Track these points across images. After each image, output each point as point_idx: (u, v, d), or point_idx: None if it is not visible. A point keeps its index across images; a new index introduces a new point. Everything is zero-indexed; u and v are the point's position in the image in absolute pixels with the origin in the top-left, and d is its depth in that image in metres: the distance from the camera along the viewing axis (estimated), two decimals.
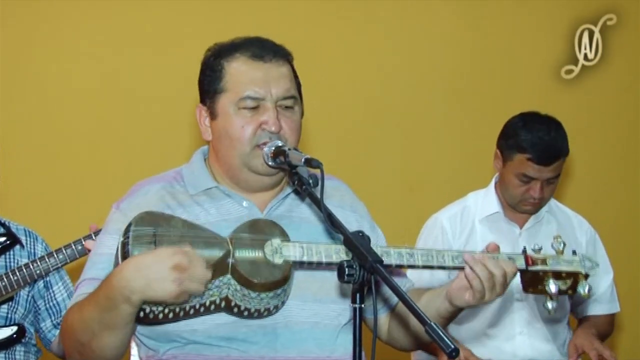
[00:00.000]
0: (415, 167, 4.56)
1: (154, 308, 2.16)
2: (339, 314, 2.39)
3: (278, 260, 2.24)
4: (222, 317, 2.27)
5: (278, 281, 2.24)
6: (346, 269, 2.02)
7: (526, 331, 3.57)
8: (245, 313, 2.26)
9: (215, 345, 2.29)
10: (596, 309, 3.72)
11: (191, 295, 2.14)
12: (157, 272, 2.08)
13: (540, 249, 2.46)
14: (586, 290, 2.45)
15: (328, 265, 2.27)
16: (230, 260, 2.21)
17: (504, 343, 3.56)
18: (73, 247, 3.10)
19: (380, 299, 2.52)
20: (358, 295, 2.04)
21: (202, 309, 2.22)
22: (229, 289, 2.22)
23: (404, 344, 2.55)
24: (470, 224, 3.59)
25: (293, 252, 2.26)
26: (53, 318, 3.19)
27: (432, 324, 1.90)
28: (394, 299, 2.49)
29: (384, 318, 2.56)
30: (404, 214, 4.37)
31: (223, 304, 2.23)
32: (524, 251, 2.44)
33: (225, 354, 2.29)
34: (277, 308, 2.29)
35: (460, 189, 3.83)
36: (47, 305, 3.19)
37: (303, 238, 2.35)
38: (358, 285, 2.03)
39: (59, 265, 3.11)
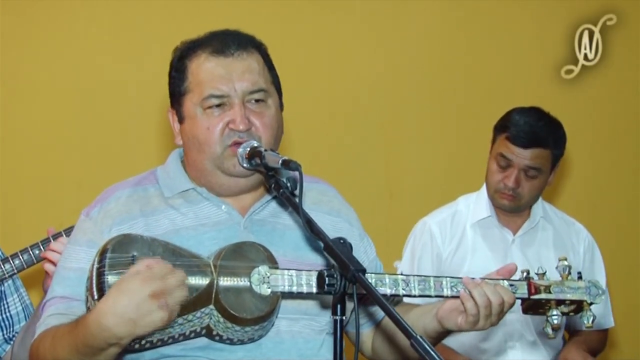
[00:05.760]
0: (396, 173, 4.51)
1: (132, 342, 2.05)
2: (323, 324, 2.29)
3: (265, 291, 2.12)
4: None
5: (264, 315, 2.12)
6: (326, 279, 1.92)
7: (518, 345, 3.48)
8: (227, 342, 2.15)
9: (191, 356, 2.18)
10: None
11: (180, 305, 2.02)
12: (139, 309, 1.95)
13: (544, 274, 2.34)
14: (590, 322, 2.36)
15: (319, 295, 2.16)
16: (214, 289, 2.09)
17: (495, 357, 3.47)
18: (30, 251, 2.95)
19: (365, 313, 2.41)
20: (339, 306, 1.93)
21: (181, 338, 2.12)
22: (211, 319, 2.11)
23: None
24: (461, 229, 3.51)
25: (281, 282, 2.13)
26: (5, 332, 3.03)
27: (419, 337, 1.80)
28: (380, 313, 2.38)
29: (368, 333, 2.45)
30: (384, 221, 4.33)
31: (204, 332, 2.13)
32: (527, 277, 2.32)
33: None
34: (260, 336, 2.18)
35: (441, 195, 3.81)
36: (0, 318, 3.05)
37: (287, 247, 2.26)
38: (339, 296, 1.93)
39: (15, 271, 2.96)
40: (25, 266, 2.95)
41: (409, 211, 3.95)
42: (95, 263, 2.07)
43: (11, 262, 2.94)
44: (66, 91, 4.13)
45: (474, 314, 2.19)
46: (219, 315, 2.09)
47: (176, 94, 2.29)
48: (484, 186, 3.54)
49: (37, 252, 2.93)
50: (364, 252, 2.43)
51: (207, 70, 2.25)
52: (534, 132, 3.37)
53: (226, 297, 2.09)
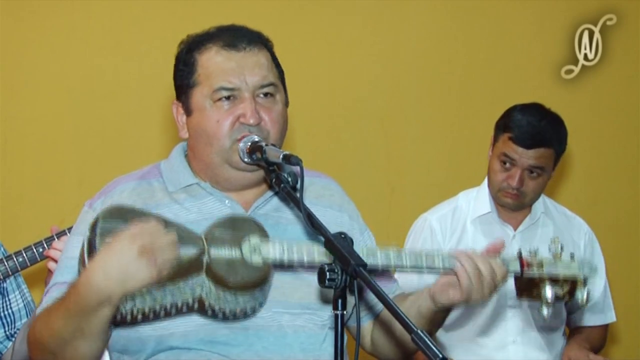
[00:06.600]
0: (397, 167, 4.53)
1: (122, 307, 2.05)
2: (325, 318, 2.29)
3: (256, 259, 2.13)
4: (200, 319, 2.17)
5: (255, 282, 2.12)
6: (327, 273, 1.92)
7: (519, 340, 3.48)
8: (220, 315, 2.14)
9: (194, 349, 2.18)
10: (589, 319, 3.61)
11: (170, 264, 2.03)
12: (127, 266, 1.97)
13: (536, 252, 2.34)
14: (584, 296, 2.34)
15: (310, 267, 2.15)
16: (205, 259, 2.09)
17: (495, 352, 3.46)
18: (34, 249, 2.96)
19: (365, 306, 2.41)
20: (340, 301, 1.93)
21: (173, 311, 2.11)
22: (202, 289, 2.11)
23: (389, 354, 2.43)
24: (462, 225, 3.50)
25: (272, 251, 2.14)
26: (7, 328, 3.03)
27: (419, 331, 1.80)
28: (379, 305, 2.38)
29: (367, 326, 2.45)
30: (385, 215, 4.34)
31: (196, 305, 2.13)
32: (519, 254, 2.33)
33: (206, 359, 2.18)
34: (253, 310, 2.17)
35: (443, 190, 3.81)
36: (2, 315, 3.05)
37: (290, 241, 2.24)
38: (340, 290, 1.93)
39: (18, 268, 2.97)
40: (28, 264, 2.97)
41: (410, 206, 3.96)
42: (87, 233, 2.08)
43: (14, 259, 2.96)
44: (67, 88, 4.13)
45: (467, 287, 2.19)
46: (211, 283, 2.10)
47: (184, 87, 2.29)
48: (485, 182, 3.54)
49: (40, 250, 2.95)
50: (365, 246, 2.43)
51: (218, 63, 2.25)
52: (538, 132, 3.36)
53: (217, 263, 2.09)
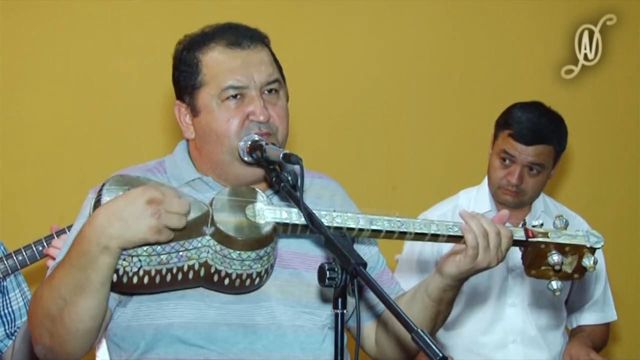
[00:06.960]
0: (398, 166, 4.55)
1: (128, 268, 2.06)
2: (325, 317, 2.29)
3: (260, 221, 2.15)
4: (201, 312, 2.17)
5: (261, 239, 2.13)
6: (327, 272, 1.92)
7: (519, 339, 3.48)
8: (227, 281, 2.13)
9: (194, 345, 2.18)
10: (590, 318, 3.61)
11: (172, 231, 2.04)
12: (133, 211, 1.99)
13: (541, 225, 2.33)
14: (591, 262, 2.29)
15: (312, 233, 2.16)
16: (210, 221, 2.11)
17: (495, 352, 3.46)
18: (33, 248, 2.97)
19: (365, 306, 2.41)
20: (340, 300, 1.93)
21: (179, 275, 2.11)
22: (208, 252, 2.11)
23: (393, 357, 2.42)
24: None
25: (277, 215, 2.16)
26: (7, 327, 3.04)
27: (419, 330, 1.80)
28: (380, 306, 2.38)
29: (370, 326, 2.44)
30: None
31: (202, 271, 2.12)
32: (524, 224, 2.32)
33: (204, 357, 2.18)
34: (260, 278, 2.16)
35: (444, 188, 3.83)
36: (2, 313, 3.05)
37: (291, 240, 2.27)
38: (340, 289, 1.93)
39: (18, 267, 2.98)
40: (28, 262, 2.98)
41: (411, 205, 3.96)
42: (93, 200, 2.12)
43: (14, 258, 2.97)
44: (67, 88, 4.14)
45: (473, 246, 2.19)
46: (216, 244, 2.10)
47: (188, 87, 2.29)
48: (485, 180, 3.54)
49: (40, 248, 2.96)
50: (367, 246, 2.44)
51: (224, 62, 2.26)
52: (537, 129, 3.38)
53: (222, 224, 2.11)
